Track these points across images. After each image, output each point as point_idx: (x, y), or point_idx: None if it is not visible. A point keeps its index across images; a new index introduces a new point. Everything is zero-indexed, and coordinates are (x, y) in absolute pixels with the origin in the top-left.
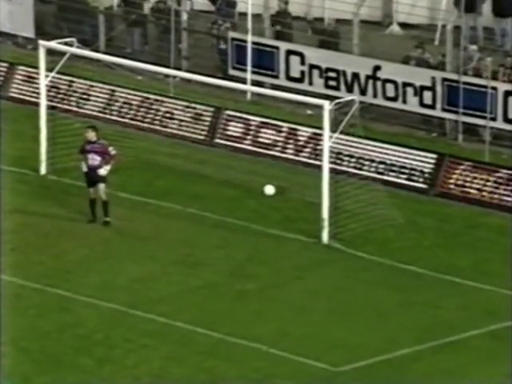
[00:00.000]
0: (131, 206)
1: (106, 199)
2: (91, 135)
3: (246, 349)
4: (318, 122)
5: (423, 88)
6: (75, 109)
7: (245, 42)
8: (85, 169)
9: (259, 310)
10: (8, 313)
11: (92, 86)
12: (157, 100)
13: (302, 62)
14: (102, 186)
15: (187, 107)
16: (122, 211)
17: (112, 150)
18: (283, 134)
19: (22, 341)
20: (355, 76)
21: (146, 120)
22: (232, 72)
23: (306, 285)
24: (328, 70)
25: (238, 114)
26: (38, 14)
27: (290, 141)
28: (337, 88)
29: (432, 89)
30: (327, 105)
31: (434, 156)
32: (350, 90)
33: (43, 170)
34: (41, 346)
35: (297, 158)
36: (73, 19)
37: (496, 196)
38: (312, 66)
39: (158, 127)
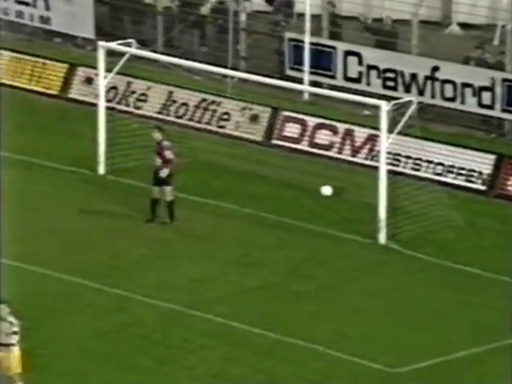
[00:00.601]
0: (189, 206)
1: (170, 200)
2: (155, 136)
3: (302, 349)
4: (376, 122)
5: (482, 88)
6: (133, 109)
7: (302, 42)
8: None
9: (316, 311)
10: (67, 312)
11: (150, 87)
12: (214, 101)
13: (360, 63)
14: (166, 188)
15: (244, 108)
16: (181, 211)
17: (169, 154)
18: (340, 135)
19: (81, 340)
20: (413, 76)
21: (204, 121)
22: (289, 72)
23: (363, 286)
24: (386, 70)
25: (295, 115)
26: (97, 15)
27: (347, 142)
28: (395, 88)
29: (491, 89)
30: (385, 105)
31: (493, 157)
32: (407, 90)
33: (102, 170)
34: (99, 345)
35: (353, 159)
36: (132, 20)
37: None
38: (370, 67)
39: (215, 128)
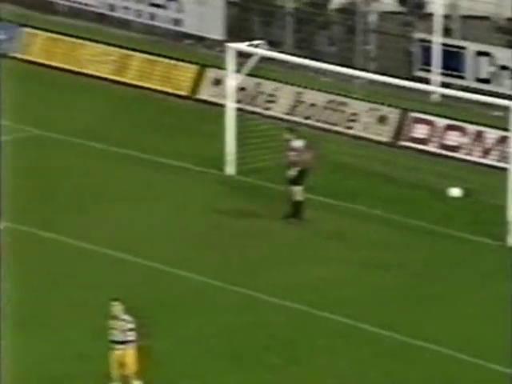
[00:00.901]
0: (320, 206)
1: (298, 200)
2: (286, 137)
3: (431, 352)
4: (507, 124)
5: None
6: (262, 110)
7: (432, 42)
8: None
9: (445, 313)
10: (195, 311)
11: (279, 88)
12: (342, 102)
13: (491, 63)
14: (294, 188)
15: (372, 109)
16: (310, 212)
17: (294, 156)
18: (469, 136)
19: (209, 339)
20: None
21: (331, 121)
22: (418, 73)
23: (492, 288)
24: None
25: (424, 116)
26: (228, 16)
27: (477, 143)
28: None
29: None
30: None
31: None
32: None
33: (231, 170)
34: (227, 344)
35: (483, 160)
36: (261, 21)
37: None
38: (501, 67)
39: (342, 129)
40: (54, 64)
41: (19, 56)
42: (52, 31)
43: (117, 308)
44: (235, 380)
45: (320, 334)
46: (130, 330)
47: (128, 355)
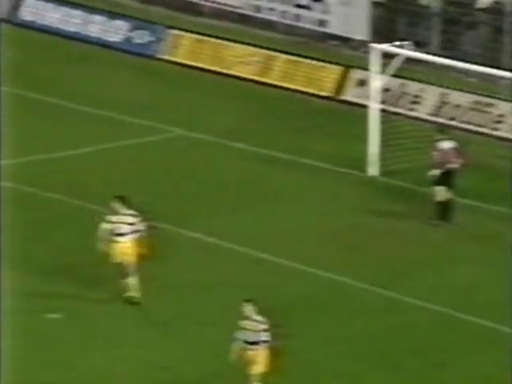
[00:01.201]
0: (465, 208)
1: (439, 201)
2: (436, 138)
3: None
4: None
5: None
6: (406, 111)
7: None
8: None
9: None
10: (337, 312)
11: (423, 89)
12: (488, 103)
13: None
14: (435, 188)
15: None
16: (456, 214)
17: (437, 157)
18: None
19: (352, 340)
20: None
21: (477, 123)
22: None
23: None
24: None
25: None
26: (373, 16)
27: None
28: None
29: None
30: None
31: None
32: None
33: (374, 171)
34: (371, 345)
35: None
36: (407, 21)
37: None
38: None
39: (488, 130)
40: (199, 65)
41: (166, 57)
42: (197, 33)
43: (249, 309)
44: (375, 382)
45: (463, 336)
46: (263, 330)
47: (258, 355)
